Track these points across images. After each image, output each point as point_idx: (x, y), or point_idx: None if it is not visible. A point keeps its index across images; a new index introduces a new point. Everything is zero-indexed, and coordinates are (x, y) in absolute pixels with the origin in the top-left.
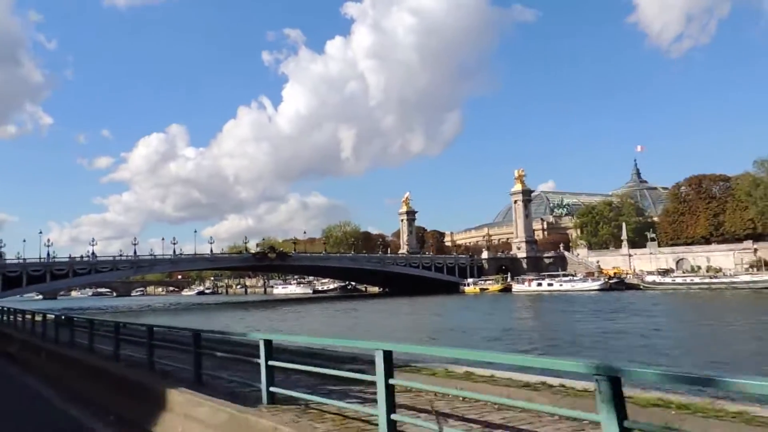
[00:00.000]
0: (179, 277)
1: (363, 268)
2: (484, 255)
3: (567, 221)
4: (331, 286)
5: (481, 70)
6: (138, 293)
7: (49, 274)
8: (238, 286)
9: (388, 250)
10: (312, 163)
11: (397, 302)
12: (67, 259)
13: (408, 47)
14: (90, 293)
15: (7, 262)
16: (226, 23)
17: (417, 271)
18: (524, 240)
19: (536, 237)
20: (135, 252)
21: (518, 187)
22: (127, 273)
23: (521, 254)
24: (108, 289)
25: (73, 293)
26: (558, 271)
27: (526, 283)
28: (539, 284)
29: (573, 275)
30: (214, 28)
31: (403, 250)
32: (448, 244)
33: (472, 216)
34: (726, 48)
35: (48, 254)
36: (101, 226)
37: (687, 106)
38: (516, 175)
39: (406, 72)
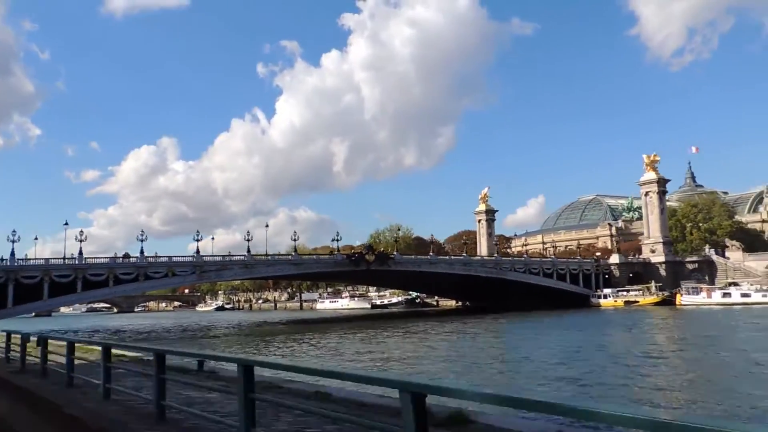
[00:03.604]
0: (186, 291)
1: (476, 275)
2: (614, 259)
3: (638, 225)
4: (393, 300)
5: (478, 84)
6: (140, 309)
7: (81, 281)
8: (260, 301)
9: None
10: (302, 177)
11: (519, 327)
12: (105, 260)
13: (405, 59)
14: (83, 309)
15: (25, 263)
16: (222, 35)
17: (537, 279)
18: (661, 241)
19: (603, 244)
20: (198, 251)
21: (652, 175)
22: (187, 280)
23: (657, 258)
24: (105, 305)
25: (63, 309)
26: (704, 278)
27: (702, 293)
28: (725, 294)
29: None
30: (210, 39)
31: (478, 256)
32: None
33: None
34: (727, 62)
35: (80, 252)
36: (81, 243)
37: (687, 119)
38: (647, 161)
39: (402, 84)
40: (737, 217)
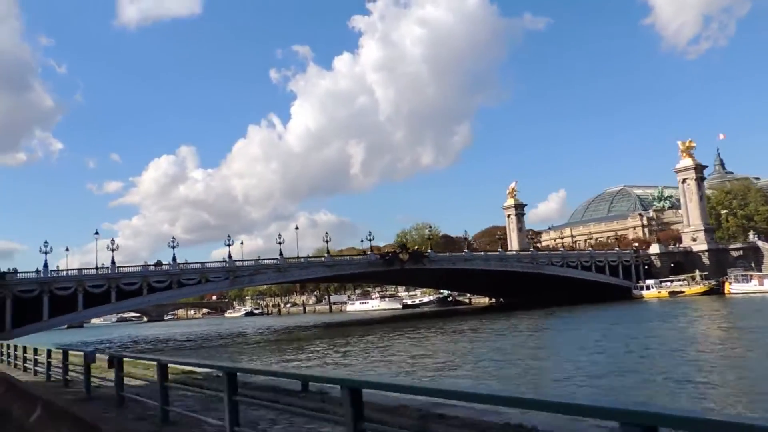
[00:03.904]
0: (213, 297)
1: (513, 270)
2: (654, 249)
3: (671, 215)
4: (425, 299)
5: (491, 81)
6: (169, 317)
7: (115, 291)
8: (288, 305)
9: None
10: (320, 180)
11: (571, 323)
12: (138, 268)
13: (417, 59)
14: (114, 319)
15: (59, 275)
16: (235, 42)
17: (576, 272)
18: (701, 228)
19: (635, 235)
20: (230, 256)
21: (688, 162)
22: (220, 286)
23: (699, 246)
24: (135, 314)
25: (94, 320)
26: (750, 265)
27: (754, 281)
28: None
29: None
30: (223, 47)
31: (512, 250)
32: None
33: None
34: (746, 48)
35: (112, 261)
36: (107, 253)
37: (708, 107)
38: (682, 147)
39: (415, 84)
40: None
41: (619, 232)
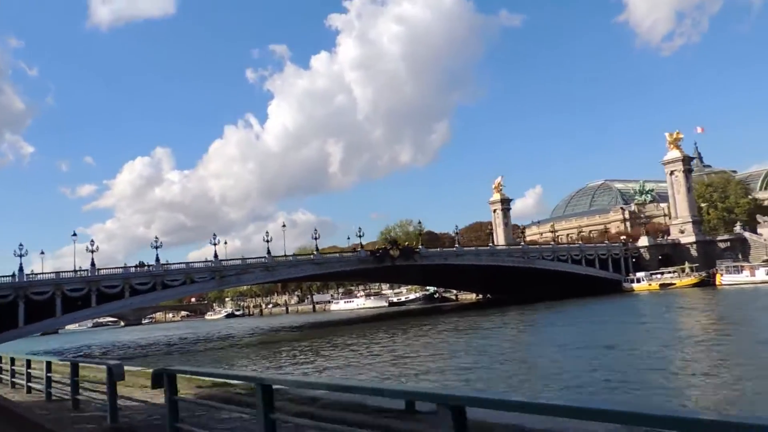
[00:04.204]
0: (192, 300)
1: (504, 265)
2: (643, 242)
3: (652, 209)
4: (411, 296)
5: (469, 78)
6: (147, 321)
7: (95, 295)
8: (269, 306)
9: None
10: (299, 180)
11: (569, 318)
12: (119, 270)
13: (394, 57)
14: (89, 325)
15: (35, 278)
16: (210, 42)
17: (567, 266)
18: (689, 220)
19: (618, 228)
20: (215, 255)
21: (676, 153)
22: (206, 287)
23: (687, 239)
24: (112, 319)
25: (69, 326)
26: (737, 257)
27: (745, 272)
28: None
29: None
30: (198, 47)
31: (501, 245)
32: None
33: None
34: (718, 44)
35: (92, 263)
36: (83, 256)
37: (682, 102)
38: (670, 139)
39: (393, 82)
40: (752, 195)
41: (601, 226)
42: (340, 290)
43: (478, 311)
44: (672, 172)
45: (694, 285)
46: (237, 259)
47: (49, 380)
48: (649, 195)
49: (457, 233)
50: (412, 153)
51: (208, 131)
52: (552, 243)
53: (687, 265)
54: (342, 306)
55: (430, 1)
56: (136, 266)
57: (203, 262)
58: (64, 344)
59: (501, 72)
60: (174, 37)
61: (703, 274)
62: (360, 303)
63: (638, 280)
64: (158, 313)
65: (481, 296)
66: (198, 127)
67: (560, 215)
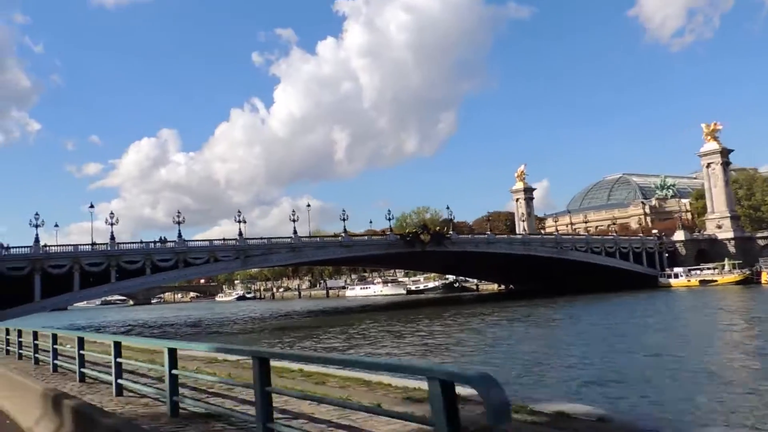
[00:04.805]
0: (202, 281)
1: (536, 255)
2: (679, 236)
3: (673, 204)
4: (429, 285)
5: (476, 70)
6: (156, 300)
7: (115, 270)
8: (281, 289)
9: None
10: (305, 166)
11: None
12: (138, 244)
13: (402, 45)
14: (98, 302)
15: (52, 251)
16: (215, 23)
17: (601, 258)
18: (727, 215)
19: (637, 224)
20: (240, 233)
21: (713, 145)
22: (230, 266)
23: (724, 234)
24: (120, 297)
25: (78, 303)
26: None
27: None
28: None
29: None
30: (203, 28)
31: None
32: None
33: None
34: (730, 41)
35: (111, 236)
36: (89, 233)
37: (690, 100)
38: (707, 130)
39: (399, 71)
40: None
41: (621, 221)
42: (353, 276)
43: (514, 302)
44: (709, 165)
45: (737, 282)
46: (263, 238)
47: (118, 367)
48: (670, 190)
49: (489, 219)
50: (419, 142)
51: (214, 113)
52: (586, 234)
53: (728, 261)
54: (358, 292)
55: None
56: (155, 242)
57: (228, 239)
58: (77, 321)
59: (509, 64)
60: (180, 17)
61: (747, 271)
62: (377, 290)
63: (676, 276)
64: (167, 294)
65: (503, 287)
66: (204, 109)
67: (576, 208)
